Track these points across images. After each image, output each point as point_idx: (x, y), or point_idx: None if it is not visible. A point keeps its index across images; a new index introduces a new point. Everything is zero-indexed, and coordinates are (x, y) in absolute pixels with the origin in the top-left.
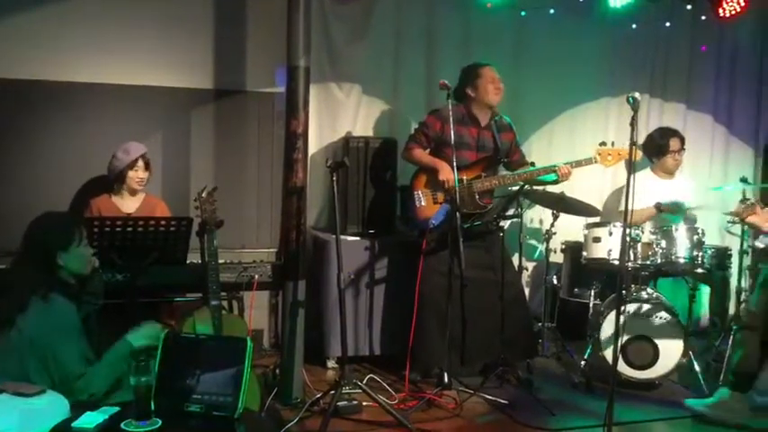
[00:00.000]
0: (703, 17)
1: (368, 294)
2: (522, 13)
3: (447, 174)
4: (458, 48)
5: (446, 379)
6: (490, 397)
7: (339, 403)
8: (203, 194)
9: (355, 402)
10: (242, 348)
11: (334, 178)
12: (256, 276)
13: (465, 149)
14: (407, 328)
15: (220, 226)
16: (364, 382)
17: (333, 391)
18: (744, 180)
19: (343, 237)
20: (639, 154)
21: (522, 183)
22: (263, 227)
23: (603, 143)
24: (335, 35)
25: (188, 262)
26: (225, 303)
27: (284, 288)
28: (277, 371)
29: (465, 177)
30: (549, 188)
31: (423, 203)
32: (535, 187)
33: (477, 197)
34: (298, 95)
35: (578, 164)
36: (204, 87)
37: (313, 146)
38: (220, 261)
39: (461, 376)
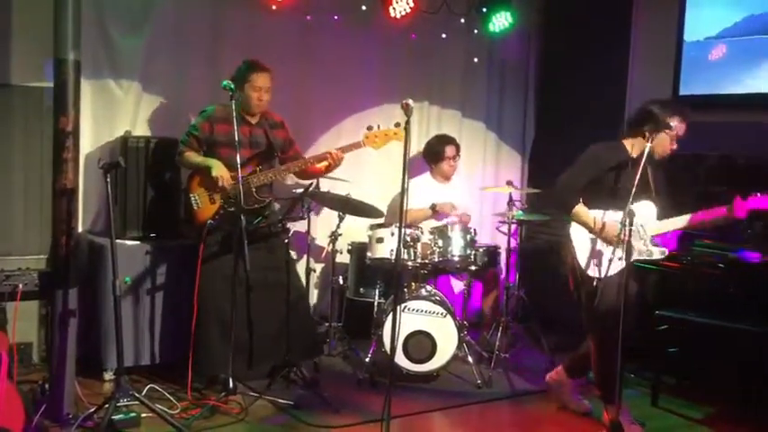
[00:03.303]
0: (476, 30)
1: (149, 300)
2: (308, 17)
3: (219, 170)
4: (244, 48)
5: (231, 384)
6: (276, 399)
7: (115, 417)
8: None
9: (133, 415)
10: None
11: (108, 179)
12: (21, 285)
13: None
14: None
15: None
16: (144, 392)
17: (107, 405)
18: (509, 183)
19: (121, 241)
20: (412, 151)
21: (296, 170)
22: (30, 232)
23: (370, 127)
24: (111, 28)
25: None
26: None
27: (54, 297)
28: (47, 386)
29: (241, 174)
30: (335, 190)
31: (200, 205)
32: (321, 189)
33: (254, 192)
34: (67, 91)
35: (348, 148)
36: None
37: (88, 145)
38: None
39: (249, 380)
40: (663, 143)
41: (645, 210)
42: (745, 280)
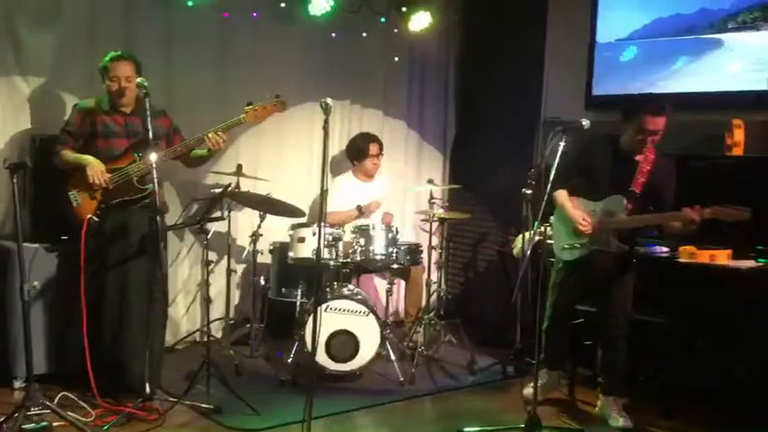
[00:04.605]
0: (396, 30)
1: (61, 306)
2: (225, 14)
3: (92, 169)
4: (160, 46)
5: (147, 389)
6: (196, 404)
7: (25, 426)
8: None
9: (45, 424)
10: None
11: (15, 180)
12: None
13: (115, 138)
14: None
15: None
16: (56, 400)
17: (17, 414)
18: (430, 181)
19: (30, 244)
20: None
21: (176, 155)
22: None
23: (250, 103)
24: (19, 23)
25: None
26: None
27: None
28: None
29: (119, 165)
30: (255, 189)
31: (79, 202)
32: (242, 189)
33: (135, 181)
34: None
35: (228, 127)
36: None
37: None
38: None
39: (169, 385)
40: (628, 135)
41: (614, 204)
42: (654, 274)
